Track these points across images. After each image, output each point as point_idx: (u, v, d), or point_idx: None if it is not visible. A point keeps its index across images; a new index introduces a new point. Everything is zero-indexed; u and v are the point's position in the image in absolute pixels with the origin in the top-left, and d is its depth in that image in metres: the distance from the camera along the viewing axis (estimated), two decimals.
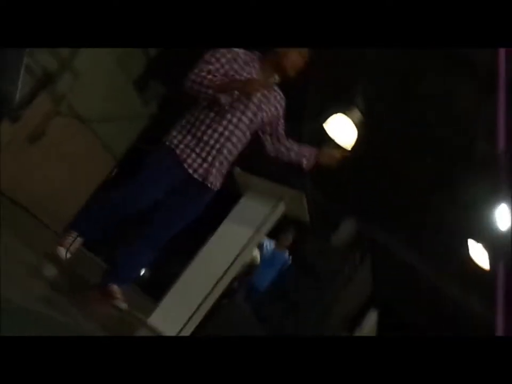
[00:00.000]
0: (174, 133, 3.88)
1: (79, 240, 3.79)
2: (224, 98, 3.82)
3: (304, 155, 4.32)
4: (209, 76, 3.79)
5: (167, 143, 3.85)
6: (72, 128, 7.47)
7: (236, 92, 3.87)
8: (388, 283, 13.32)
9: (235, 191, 4.57)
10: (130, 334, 3.91)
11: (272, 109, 4.20)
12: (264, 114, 4.10)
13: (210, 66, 3.84)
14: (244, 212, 4.40)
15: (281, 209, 4.39)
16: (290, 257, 8.79)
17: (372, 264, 9.04)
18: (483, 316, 11.39)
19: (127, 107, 8.55)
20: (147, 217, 4.04)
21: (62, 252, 3.65)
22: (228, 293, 6.06)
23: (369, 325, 9.86)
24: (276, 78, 4.08)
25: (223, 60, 3.90)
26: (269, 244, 8.71)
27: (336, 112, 6.22)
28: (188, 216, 4.18)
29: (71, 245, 3.68)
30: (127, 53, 8.03)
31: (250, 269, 8.27)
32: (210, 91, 3.76)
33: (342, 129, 6.11)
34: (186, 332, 4.22)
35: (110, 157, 8.98)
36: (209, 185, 3.96)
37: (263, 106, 4.07)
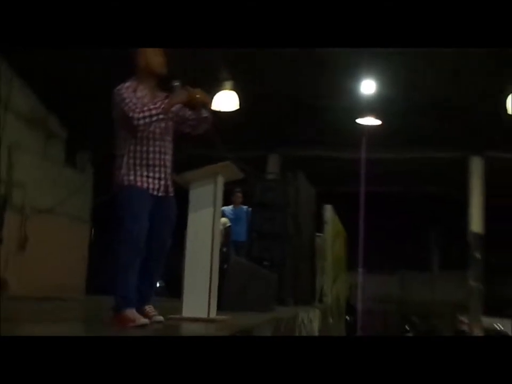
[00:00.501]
0: (124, 171, 3.63)
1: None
2: (168, 111, 3.71)
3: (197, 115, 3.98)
4: (150, 109, 3.56)
5: (125, 183, 3.61)
6: (44, 221, 7.55)
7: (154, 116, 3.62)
8: None
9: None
10: (176, 333, 3.76)
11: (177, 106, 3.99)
12: (173, 115, 3.91)
13: (135, 101, 3.59)
14: (197, 199, 4.42)
15: (221, 180, 4.49)
16: (247, 207, 9.03)
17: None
18: None
19: (71, 184, 8.59)
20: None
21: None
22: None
23: (330, 216, 10.26)
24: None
25: (136, 92, 3.69)
26: (227, 208, 8.98)
27: None
28: (171, 226, 4.00)
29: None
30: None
31: (226, 231, 8.58)
32: (161, 116, 3.60)
33: None
34: (213, 306, 4.39)
35: (84, 225, 9.08)
36: (170, 194, 3.84)
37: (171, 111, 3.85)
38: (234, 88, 11.44)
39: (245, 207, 9.08)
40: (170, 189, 3.83)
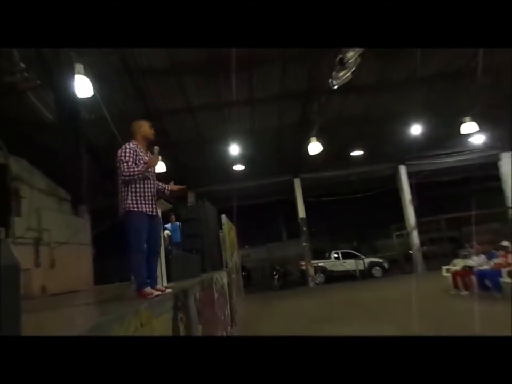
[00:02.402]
0: (129, 201, 3.30)
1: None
2: (146, 171, 3.35)
3: (160, 184, 3.75)
4: (134, 171, 3.27)
5: (131, 208, 3.30)
6: (63, 249, 7.21)
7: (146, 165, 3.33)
8: None
9: None
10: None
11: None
12: (150, 171, 3.50)
13: (130, 163, 3.28)
14: None
15: (159, 211, 4.16)
16: (178, 223, 9.01)
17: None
18: None
19: (77, 225, 8.22)
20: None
21: (152, 293, 3.15)
22: (169, 253, 6.28)
23: (225, 221, 10.41)
24: (157, 148, 3.47)
25: (132, 154, 3.34)
26: (167, 225, 8.94)
27: None
28: (160, 234, 3.79)
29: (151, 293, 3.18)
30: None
31: (168, 238, 8.55)
32: (140, 174, 3.29)
33: None
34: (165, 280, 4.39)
35: (88, 247, 8.70)
36: (157, 215, 3.57)
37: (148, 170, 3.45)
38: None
39: (177, 223, 9.06)
40: (156, 210, 3.56)
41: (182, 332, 3.27)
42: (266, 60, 9.48)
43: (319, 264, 17.53)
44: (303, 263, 17.27)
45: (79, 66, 7.08)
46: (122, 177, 3.30)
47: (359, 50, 6.88)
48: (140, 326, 2.18)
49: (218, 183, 15.73)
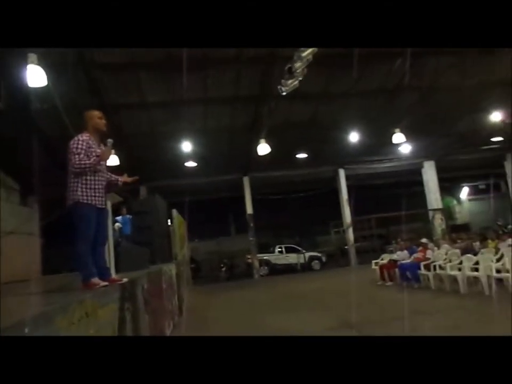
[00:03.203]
0: (80, 193, 3.13)
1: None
2: (98, 164, 3.20)
3: (112, 176, 3.61)
4: (86, 163, 3.12)
5: (81, 200, 3.12)
6: (10, 238, 6.72)
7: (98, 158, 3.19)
8: None
9: None
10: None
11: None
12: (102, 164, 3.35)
13: (81, 155, 3.11)
14: None
15: (109, 204, 3.95)
16: (129, 215, 8.74)
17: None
18: None
19: (26, 215, 7.69)
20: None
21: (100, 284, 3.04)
22: (118, 245, 6.09)
23: (175, 215, 10.28)
24: (110, 141, 3.32)
25: (85, 146, 3.15)
26: (119, 217, 8.63)
27: None
28: (107, 227, 3.62)
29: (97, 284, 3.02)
30: None
31: (119, 231, 8.26)
32: (92, 167, 3.14)
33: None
34: (113, 270, 4.25)
35: (36, 237, 8.18)
36: (105, 207, 3.42)
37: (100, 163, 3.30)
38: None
39: (128, 215, 8.77)
40: (105, 203, 3.42)
41: (129, 321, 3.20)
42: (221, 62, 9.45)
43: (264, 257, 17.77)
44: (249, 257, 17.43)
45: (32, 56, 6.61)
46: (73, 169, 3.14)
47: (306, 61, 7.05)
48: (85, 316, 2.12)
49: (170, 178, 15.42)
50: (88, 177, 3.21)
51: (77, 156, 3.13)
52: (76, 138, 3.21)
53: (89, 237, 3.17)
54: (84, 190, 3.19)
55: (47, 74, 6.89)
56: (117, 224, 8.03)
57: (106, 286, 3.05)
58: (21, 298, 3.39)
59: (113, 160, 11.27)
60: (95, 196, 3.22)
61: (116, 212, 7.78)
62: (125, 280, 3.34)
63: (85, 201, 3.17)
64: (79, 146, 3.17)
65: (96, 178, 3.26)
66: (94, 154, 3.23)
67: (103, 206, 3.35)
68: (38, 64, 6.69)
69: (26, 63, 6.64)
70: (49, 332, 1.63)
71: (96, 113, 3.40)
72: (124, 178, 3.67)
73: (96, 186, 3.25)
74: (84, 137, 3.24)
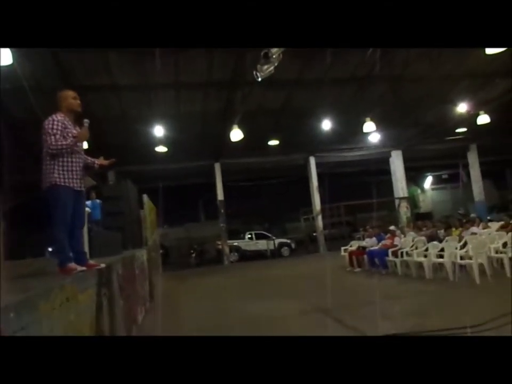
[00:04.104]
0: (56, 175, 3.04)
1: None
2: (75, 145, 3.09)
3: (88, 158, 3.51)
4: (63, 144, 3.02)
5: (58, 183, 3.04)
6: None
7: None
8: None
9: None
10: None
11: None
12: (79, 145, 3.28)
13: (57, 136, 3.01)
14: None
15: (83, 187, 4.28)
16: (99, 200, 8.52)
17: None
18: None
19: None
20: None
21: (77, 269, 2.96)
22: (89, 230, 5.95)
23: (146, 201, 10.10)
24: (87, 121, 3.22)
25: (60, 126, 3.06)
26: (88, 202, 8.40)
27: None
28: (84, 210, 3.59)
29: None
30: None
31: (89, 215, 8.04)
32: (69, 148, 3.03)
33: None
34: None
35: None
36: (83, 190, 3.30)
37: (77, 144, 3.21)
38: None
39: (97, 200, 8.56)
40: (83, 185, 3.32)
41: (105, 307, 3.17)
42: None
43: (234, 243, 17.84)
44: (219, 243, 17.45)
45: None
46: (50, 151, 3.02)
47: None
48: (65, 301, 2.09)
49: (140, 163, 15.09)
50: (65, 159, 3.11)
51: (53, 137, 3.01)
52: (50, 118, 3.08)
53: (67, 220, 3.08)
54: (61, 172, 3.09)
55: (12, 53, 6.46)
56: (86, 208, 7.82)
57: (83, 271, 2.99)
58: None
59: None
60: (72, 178, 3.13)
61: (85, 196, 7.56)
62: (102, 265, 3.30)
63: (62, 184, 3.07)
64: (55, 126, 3.05)
65: (73, 160, 3.16)
66: (70, 135, 3.12)
67: (81, 189, 3.26)
68: None
69: None
70: (33, 317, 1.61)
71: (71, 93, 3.28)
72: (100, 161, 3.58)
73: (74, 168, 3.16)
74: (59, 117, 3.12)
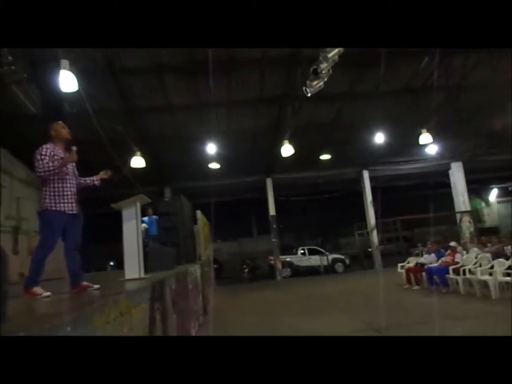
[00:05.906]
0: (48, 200, 3.17)
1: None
2: (63, 169, 3.25)
3: (86, 179, 3.64)
4: (50, 167, 3.15)
5: (49, 207, 3.16)
6: None
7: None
8: None
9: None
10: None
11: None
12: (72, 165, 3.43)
13: (45, 161, 3.16)
14: (127, 215, 4.27)
15: (138, 205, 4.38)
16: (156, 216, 8.86)
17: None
18: None
19: None
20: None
21: (42, 294, 3.03)
22: (145, 245, 6.19)
23: (199, 216, 10.35)
24: (74, 147, 3.34)
25: (49, 153, 3.22)
26: (145, 218, 8.80)
27: None
28: (80, 231, 3.44)
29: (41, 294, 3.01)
30: None
31: (145, 231, 8.40)
32: (56, 171, 3.17)
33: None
34: (142, 270, 4.28)
35: None
36: (77, 213, 3.34)
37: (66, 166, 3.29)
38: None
39: (154, 216, 8.92)
40: (78, 209, 3.36)
41: (158, 321, 3.24)
42: (245, 64, 9.47)
43: (287, 259, 17.68)
44: (271, 258, 17.37)
45: (64, 62, 6.91)
46: (38, 174, 3.18)
47: (332, 62, 6.97)
48: (119, 315, 2.16)
49: (194, 180, 15.57)
50: (56, 184, 3.26)
51: (41, 162, 3.18)
52: (40, 147, 3.28)
53: (50, 244, 3.16)
54: (52, 197, 3.23)
55: (78, 79, 7.09)
56: (143, 224, 8.21)
57: (48, 297, 3.00)
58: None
59: (139, 163, 11.50)
60: (63, 202, 3.25)
61: (143, 213, 7.94)
62: (96, 286, 3.32)
63: (53, 208, 3.20)
64: (43, 152, 3.24)
65: (65, 184, 3.30)
66: (59, 159, 3.28)
67: (74, 212, 3.33)
68: (70, 70, 6.93)
69: (59, 69, 6.88)
70: (87, 331, 1.68)
71: (59, 124, 3.49)
72: (99, 177, 3.70)
73: (65, 193, 3.28)
74: (49, 145, 3.33)
